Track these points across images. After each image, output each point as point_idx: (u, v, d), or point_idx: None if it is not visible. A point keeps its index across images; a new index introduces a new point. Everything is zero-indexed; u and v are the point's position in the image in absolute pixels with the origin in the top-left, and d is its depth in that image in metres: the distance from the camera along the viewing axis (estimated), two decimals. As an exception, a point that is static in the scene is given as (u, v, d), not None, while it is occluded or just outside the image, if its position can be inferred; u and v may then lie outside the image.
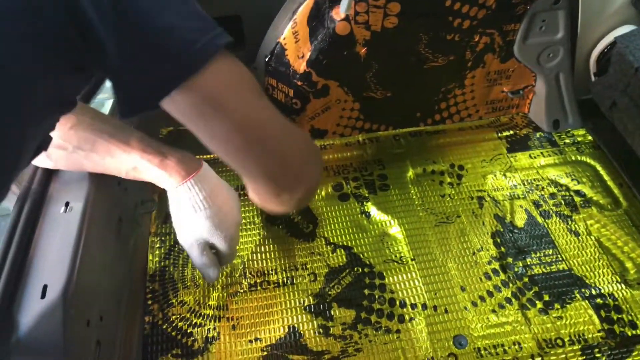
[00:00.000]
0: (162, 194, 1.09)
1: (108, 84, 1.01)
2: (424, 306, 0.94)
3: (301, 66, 1.08)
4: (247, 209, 1.09)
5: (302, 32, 1.06)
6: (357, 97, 1.14)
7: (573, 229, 1.05)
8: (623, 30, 1.12)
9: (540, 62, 1.15)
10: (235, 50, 0.57)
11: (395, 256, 1.01)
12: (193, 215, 0.81)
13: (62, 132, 0.78)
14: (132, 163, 0.80)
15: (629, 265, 1.00)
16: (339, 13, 0.99)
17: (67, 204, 0.79)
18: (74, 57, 0.49)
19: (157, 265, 0.99)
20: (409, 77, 1.13)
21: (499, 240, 1.04)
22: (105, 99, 0.96)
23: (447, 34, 1.05)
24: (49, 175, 0.83)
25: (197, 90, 0.55)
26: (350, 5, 0.94)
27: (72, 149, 0.79)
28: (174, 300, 0.95)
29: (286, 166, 0.67)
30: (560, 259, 1.01)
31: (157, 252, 1.01)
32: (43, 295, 0.68)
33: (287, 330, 0.92)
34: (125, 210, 0.96)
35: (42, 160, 0.81)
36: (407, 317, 0.93)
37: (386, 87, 1.13)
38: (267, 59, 1.13)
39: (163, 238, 1.04)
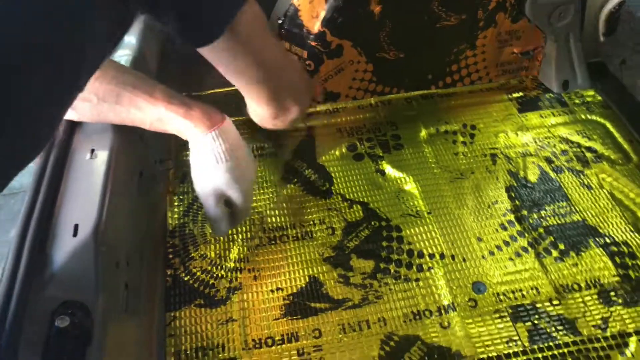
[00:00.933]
0: (179, 153, 1.11)
1: (127, 39, 1.02)
2: (442, 256, 0.96)
3: (315, 26, 1.09)
4: (263, 168, 1.10)
5: (316, -9, 1.07)
6: (370, 58, 1.15)
7: (585, 182, 1.07)
8: (632, -12, 1.14)
9: (551, 21, 1.16)
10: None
11: (412, 210, 1.03)
12: (214, 166, 0.82)
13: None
14: (157, 114, 0.81)
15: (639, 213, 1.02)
16: (353, -30, 1.00)
17: (92, 151, 0.80)
18: None
19: (177, 221, 1.01)
20: (422, 37, 1.14)
21: (513, 194, 1.05)
22: (125, 55, 0.96)
23: (460, -10, 1.06)
24: (73, 126, 0.85)
25: (235, 31, 0.65)
26: None
27: (96, 101, 0.80)
28: (194, 254, 0.96)
29: (289, 94, 0.84)
30: (574, 210, 1.02)
31: (175, 209, 1.03)
32: (75, 234, 0.70)
33: (307, 280, 0.93)
34: (146, 166, 0.97)
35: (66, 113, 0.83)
36: (425, 267, 0.94)
37: (399, 47, 1.15)
38: (280, 22, 1.14)
39: (181, 197, 1.05)
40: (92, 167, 0.78)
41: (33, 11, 0.39)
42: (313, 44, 1.11)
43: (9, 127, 0.41)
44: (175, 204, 1.04)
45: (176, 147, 1.12)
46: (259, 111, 0.86)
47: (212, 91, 1.23)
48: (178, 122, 0.81)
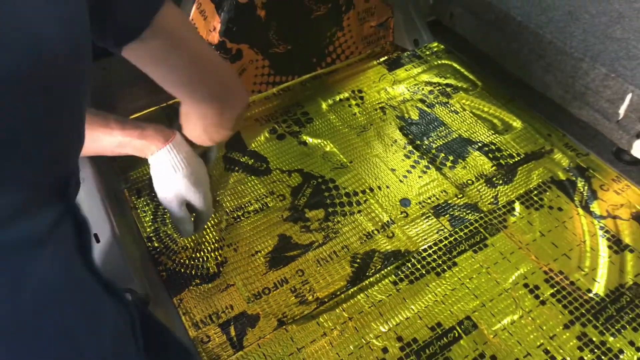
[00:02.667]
0: (125, 173, 1.23)
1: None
2: (371, 189, 1.22)
3: (215, 38, 1.28)
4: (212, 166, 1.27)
5: (208, 8, 1.26)
6: (265, 55, 1.37)
7: (452, 109, 1.40)
8: (442, -40, 1.49)
9: (392, -4, 1.48)
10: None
11: (337, 164, 1.28)
12: (173, 175, 0.92)
13: None
14: (115, 141, 0.89)
15: (495, 121, 1.37)
16: (237, -15, 1.22)
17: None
18: None
19: (150, 228, 1.14)
20: (302, 28, 1.39)
21: (405, 132, 1.35)
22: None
23: (323, -15, 1.33)
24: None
25: (162, 26, 0.70)
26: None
27: None
28: (176, 248, 1.11)
29: (228, 89, 0.83)
30: (451, 131, 1.35)
31: (143, 220, 1.16)
32: (98, 240, 0.83)
33: (277, 239, 1.13)
34: (115, 187, 1.10)
35: None
36: (362, 200, 1.20)
37: (286, 41, 1.38)
38: (181, 42, 1.31)
39: (144, 209, 1.18)
40: (87, 188, 0.91)
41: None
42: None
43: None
44: (142, 215, 1.17)
45: (122, 168, 1.24)
46: (205, 112, 0.84)
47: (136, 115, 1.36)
48: (135, 143, 0.90)
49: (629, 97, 1.14)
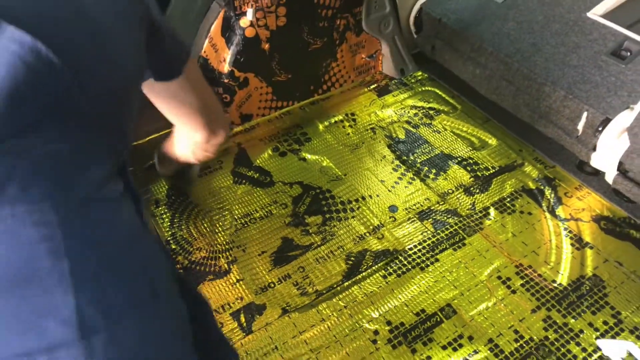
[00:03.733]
0: (150, 185, 1.39)
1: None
2: (363, 198, 1.38)
3: (225, 67, 1.46)
4: (214, 179, 1.43)
5: (219, 42, 1.45)
6: (269, 83, 1.55)
7: (435, 129, 1.58)
8: (423, 0, 1.69)
9: (380, 30, 1.68)
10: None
11: (333, 177, 1.44)
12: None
13: None
14: None
15: (473, 139, 1.55)
16: (245, 22, 1.41)
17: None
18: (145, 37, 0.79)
19: (167, 233, 1.29)
20: (301, 60, 1.58)
21: (393, 149, 1.52)
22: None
23: (319, 22, 1.52)
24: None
25: (187, 76, 0.87)
26: None
27: None
28: (191, 250, 1.26)
29: (217, 121, 0.99)
30: (434, 148, 1.52)
31: (162, 226, 1.31)
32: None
33: (280, 241, 1.29)
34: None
35: None
36: (355, 207, 1.36)
37: (287, 70, 1.56)
38: (194, 71, 1.49)
39: (163, 216, 1.33)
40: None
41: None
42: (226, 81, 1.48)
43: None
44: (160, 222, 1.32)
45: (142, 182, 1.40)
46: (196, 137, 1.03)
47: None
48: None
49: (584, 115, 1.31)
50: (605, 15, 1.45)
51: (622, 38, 1.38)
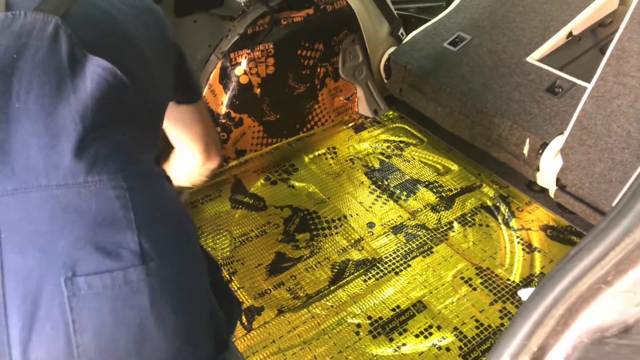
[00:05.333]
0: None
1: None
2: (345, 217, 1.59)
3: (222, 109, 1.70)
4: (214, 206, 1.64)
5: (217, 88, 1.69)
6: (260, 122, 1.79)
7: (405, 158, 1.82)
8: (391, 50, 1.98)
9: (355, 77, 1.94)
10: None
11: (319, 200, 1.66)
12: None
13: None
14: None
15: (438, 166, 1.79)
16: (240, 71, 1.66)
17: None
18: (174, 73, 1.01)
19: (175, 251, 1.48)
20: (287, 102, 1.82)
21: (370, 176, 1.75)
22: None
23: (302, 70, 1.78)
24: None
25: (197, 107, 1.08)
26: None
27: None
28: (197, 265, 1.45)
29: (214, 146, 1.12)
30: (404, 174, 1.76)
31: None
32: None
33: (274, 255, 1.48)
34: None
35: None
36: (338, 225, 1.57)
37: (276, 112, 1.81)
38: (195, 114, 1.73)
39: (170, 237, 1.53)
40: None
41: None
42: (223, 121, 1.71)
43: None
44: (168, 242, 1.51)
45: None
46: (194, 161, 1.13)
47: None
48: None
49: (527, 141, 1.57)
50: (542, 60, 1.74)
51: (555, 77, 1.65)
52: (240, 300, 1.36)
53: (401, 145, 1.88)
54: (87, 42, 0.71)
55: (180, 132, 1.10)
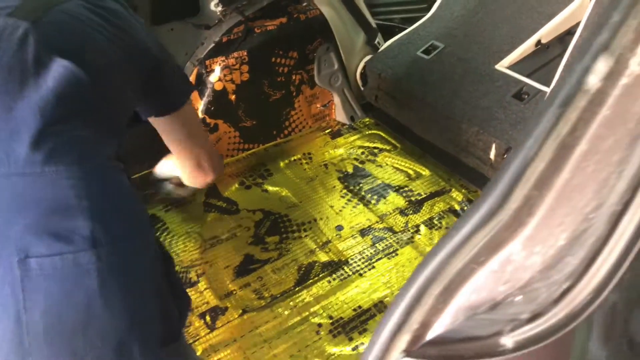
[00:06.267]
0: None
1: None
2: (315, 220, 1.63)
3: (198, 115, 1.74)
4: (187, 207, 1.67)
5: (194, 95, 1.73)
6: (236, 128, 1.83)
7: (378, 164, 1.85)
8: (366, 58, 2.02)
9: (331, 84, 1.99)
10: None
11: (291, 204, 1.69)
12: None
13: None
14: None
15: (409, 171, 1.82)
16: (214, 77, 1.70)
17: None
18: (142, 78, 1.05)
19: (146, 253, 1.52)
20: (264, 108, 1.87)
21: (342, 181, 1.78)
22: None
23: (278, 77, 1.82)
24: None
25: (183, 113, 1.11)
26: None
27: None
28: (167, 266, 1.48)
29: (209, 161, 1.18)
30: (376, 179, 1.79)
31: (142, 247, 1.54)
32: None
33: (243, 257, 1.52)
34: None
35: None
36: (307, 228, 1.60)
37: (252, 117, 1.85)
38: (172, 120, 1.77)
39: (142, 239, 1.56)
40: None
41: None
42: (199, 127, 1.75)
43: None
44: (140, 244, 1.55)
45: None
46: (188, 174, 1.22)
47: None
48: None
49: (494, 146, 1.60)
50: (510, 67, 1.78)
51: (522, 84, 1.69)
52: (206, 300, 1.39)
53: (375, 151, 1.92)
54: (54, 46, 0.79)
55: (170, 145, 1.15)
